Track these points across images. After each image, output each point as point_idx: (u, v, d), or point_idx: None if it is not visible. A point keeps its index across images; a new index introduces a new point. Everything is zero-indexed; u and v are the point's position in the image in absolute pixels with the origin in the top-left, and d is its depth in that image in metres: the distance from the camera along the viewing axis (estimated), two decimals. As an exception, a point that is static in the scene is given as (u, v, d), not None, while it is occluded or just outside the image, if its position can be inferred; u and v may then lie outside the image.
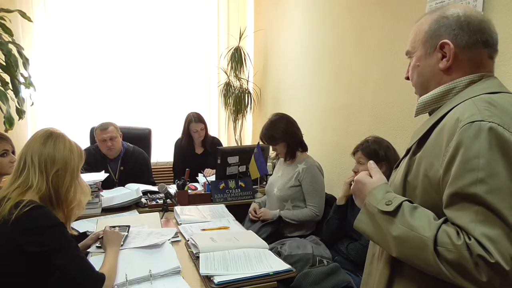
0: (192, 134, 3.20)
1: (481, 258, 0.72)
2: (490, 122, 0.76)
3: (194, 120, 3.16)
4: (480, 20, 0.90)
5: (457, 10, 0.91)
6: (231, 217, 2.21)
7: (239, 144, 4.17)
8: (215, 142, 3.33)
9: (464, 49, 0.89)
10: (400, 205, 0.85)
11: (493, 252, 0.71)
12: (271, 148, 2.54)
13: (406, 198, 0.88)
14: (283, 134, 2.27)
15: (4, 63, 2.29)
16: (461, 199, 0.77)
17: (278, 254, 1.85)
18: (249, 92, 4.14)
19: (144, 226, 1.95)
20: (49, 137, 1.37)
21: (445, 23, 0.90)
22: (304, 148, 2.37)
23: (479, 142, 0.75)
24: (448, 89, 0.91)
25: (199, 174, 2.99)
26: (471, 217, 0.75)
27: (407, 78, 1.02)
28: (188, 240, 1.78)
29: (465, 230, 0.75)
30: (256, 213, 2.32)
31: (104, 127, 2.77)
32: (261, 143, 2.42)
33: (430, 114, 0.96)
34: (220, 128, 4.38)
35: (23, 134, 3.41)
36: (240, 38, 4.05)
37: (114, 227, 1.77)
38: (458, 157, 0.78)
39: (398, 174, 0.98)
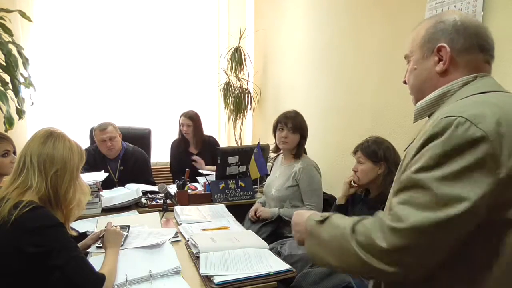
0: (181, 129, 3.23)
1: (391, 229, 0.76)
2: (458, 116, 0.76)
3: (184, 115, 3.21)
4: (476, 26, 0.92)
5: (454, 16, 0.93)
6: (231, 217, 2.21)
7: (239, 144, 4.17)
8: (211, 141, 3.33)
9: (460, 52, 0.90)
10: (330, 216, 0.91)
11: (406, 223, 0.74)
12: (271, 148, 2.54)
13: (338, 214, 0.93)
14: (304, 128, 2.32)
15: (4, 63, 2.29)
16: (408, 182, 0.79)
17: (278, 254, 1.85)
18: (249, 92, 4.14)
19: (144, 226, 1.95)
20: (49, 137, 1.36)
21: (441, 28, 0.92)
22: (304, 152, 2.40)
23: (443, 135, 0.76)
24: (443, 92, 0.92)
25: (198, 175, 2.97)
26: (405, 198, 0.78)
27: (405, 82, 1.04)
28: (188, 240, 1.78)
29: (393, 207, 0.79)
30: (256, 214, 2.33)
31: (103, 128, 2.77)
32: (279, 124, 2.34)
33: (429, 117, 0.97)
34: (220, 128, 4.38)
35: (23, 134, 3.40)
36: (240, 38, 4.05)
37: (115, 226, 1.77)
38: (422, 149, 0.80)
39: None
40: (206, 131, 3.41)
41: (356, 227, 0.83)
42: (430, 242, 0.74)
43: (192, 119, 3.21)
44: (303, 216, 0.99)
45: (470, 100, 0.84)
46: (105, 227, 1.66)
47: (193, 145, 3.28)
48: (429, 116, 0.96)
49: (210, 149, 3.19)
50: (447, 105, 0.88)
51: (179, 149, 3.29)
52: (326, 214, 0.93)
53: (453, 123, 0.76)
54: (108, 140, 2.76)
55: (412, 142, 0.95)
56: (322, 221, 0.92)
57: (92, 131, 3.19)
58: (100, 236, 1.65)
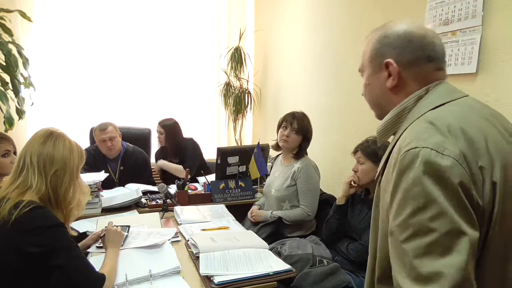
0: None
1: None
2: (423, 147, 0.75)
3: (158, 122, 3.17)
4: (422, 36, 0.89)
5: (398, 27, 0.91)
6: (231, 217, 2.21)
7: (239, 144, 4.17)
8: (188, 145, 3.16)
9: (407, 66, 0.89)
10: None
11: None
12: (271, 148, 2.54)
13: None
14: (309, 130, 2.31)
15: (4, 63, 2.29)
16: (403, 229, 0.75)
17: (278, 254, 1.85)
18: (249, 92, 4.14)
19: (144, 226, 1.95)
20: (49, 137, 1.36)
21: (386, 42, 0.91)
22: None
23: (413, 170, 0.74)
24: (399, 111, 0.90)
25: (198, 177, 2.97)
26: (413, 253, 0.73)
27: (363, 95, 1.03)
28: (188, 240, 1.78)
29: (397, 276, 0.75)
30: (250, 215, 2.35)
31: (103, 128, 2.77)
32: (284, 122, 2.32)
33: (394, 135, 0.95)
34: (220, 128, 4.38)
35: (23, 134, 3.41)
36: (240, 38, 4.05)
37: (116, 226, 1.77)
38: (399, 188, 0.77)
39: (374, 199, 0.97)
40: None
41: None
42: None
43: (165, 127, 3.13)
44: None
45: (426, 119, 0.81)
46: (106, 226, 1.66)
47: (172, 154, 3.17)
48: (393, 134, 0.94)
49: (191, 154, 3.08)
50: (406, 123, 0.87)
51: (159, 157, 3.24)
52: None
53: (419, 154, 0.74)
54: (108, 140, 2.76)
55: (380, 169, 0.93)
56: None
57: (92, 131, 3.19)
58: (101, 235, 1.65)
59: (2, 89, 2.29)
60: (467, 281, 0.70)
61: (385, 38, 0.91)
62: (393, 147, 0.86)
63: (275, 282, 1.46)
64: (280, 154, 2.50)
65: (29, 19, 2.55)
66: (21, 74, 2.44)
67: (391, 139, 0.95)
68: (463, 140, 0.76)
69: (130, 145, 2.98)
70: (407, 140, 0.79)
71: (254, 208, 2.43)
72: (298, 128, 2.28)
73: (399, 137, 0.85)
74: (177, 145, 3.15)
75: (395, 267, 0.77)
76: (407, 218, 0.74)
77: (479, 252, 0.75)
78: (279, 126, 2.37)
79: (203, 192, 2.65)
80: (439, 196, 0.72)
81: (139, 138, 3.28)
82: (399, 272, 0.75)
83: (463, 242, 0.70)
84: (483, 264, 0.77)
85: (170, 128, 3.14)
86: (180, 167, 3.01)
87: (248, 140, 4.44)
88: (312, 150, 2.45)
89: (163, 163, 3.16)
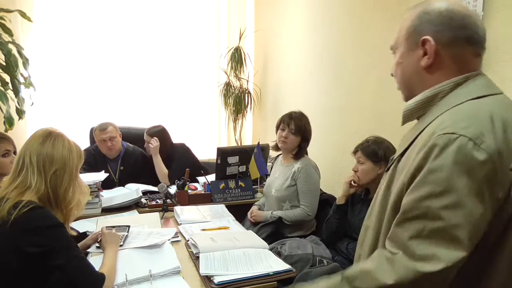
0: None
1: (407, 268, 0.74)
2: (461, 135, 0.73)
3: (146, 131, 2.98)
4: (464, 15, 0.85)
5: (440, 4, 0.86)
6: (231, 217, 2.21)
7: (239, 144, 4.17)
8: (176, 151, 3.02)
9: (446, 46, 0.85)
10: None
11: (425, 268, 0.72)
12: (271, 148, 2.54)
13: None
14: (307, 131, 2.29)
15: (4, 63, 2.29)
16: (413, 210, 0.76)
17: (278, 254, 1.85)
18: (249, 92, 4.14)
19: (144, 226, 1.95)
20: (48, 137, 1.36)
21: (426, 19, 0.87)
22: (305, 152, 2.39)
23: (444, 155, 0.73)
24: (433, 94, 0.87)
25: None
26: (413, 232, 0.75)
27: (392, 75, 1.00)
28: (188, 240, 1.78)
29: (400, 244, 0.77)
30: (249, 216, 2.34)
31: (103, 128, 2.76)
32: (282, 123, 2.31)
33: (418, 119, 0.93)
34: (220, 128, 4.38)
35: (23, 134, 3.40)
36: (240, 38, 4.04)
37: (113, 227, 1.77)
38: (424, 168, 0.76)
39: (384, 182, 0.95)
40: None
41: (346, 274, 0.80)
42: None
43: (153, 135, 2.95)
44: None
45: (466, 109, 0.80)
46: (101, 230, 1.67)
47: (162, 161, 3.03)
48: (418, 118, 0.92)
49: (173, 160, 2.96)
50: (439, 109, 0.84)
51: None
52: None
53: (454, 141, 0.73)
54: (108, 140, 2.75)
55: (400, 151, 0.92)
56: None
57: (92, 131, 3.19)
58: (98, 240, 1.66)
59: (2, 89, 2.29)
60: (454, 269, 0.72)
61: (426, 15, 0.87)
62: (421, 131, 0.84)
63: (275, 282, 1.46)
64: (280, 154, 2.50)
65: (29, 19, 2.55)
66: (21, 74, 2.44)
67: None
68: (502, 137, 0.74)
69: (130, 145, 2.98)
70: (444, 124, 0.77)
71: (254, 208, 2.43)
72: (296, 129, 2.27)
73: (432, 121, 0.83)
74: (166, 152, 2.99)
75: (392, 235, 0.80)
76: (420, 199, 0.75)
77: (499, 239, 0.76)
78: (277, 128, 2.36)
79: (203, 192, 2.64)
80: (463, 188, 0.71)
81: (139, 138, 3.27)
82: (393, 240, 0.79)
83: (468, 239, 0.71)
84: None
85: (157, 136, 2.95)
86: (165, 173, 2.88)
87: (248, 140, 4.44)
88: (312, 150, 2.45)
89: (158, 159, 3.01)
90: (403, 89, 0.97)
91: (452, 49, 0.85)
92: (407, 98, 0.96)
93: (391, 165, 0.95)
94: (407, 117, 0.94)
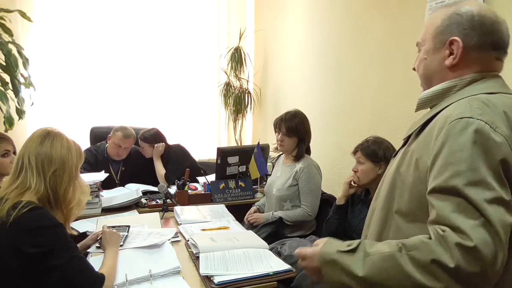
0: None
1: (458, 246, 0.72)
2: (478, 119, 0.78)
3: (139, 136, 2.93)
4: (493, 21, 0.90)
5: (472, 8, 0.90)
6: (231, 217, 2.21)
7: (239, 144, 4.17)
8: (171, 155, 2.97)
9: (472, 49, 0.89)
10: (360, 243, 0.87)
11: (472, 237, 0.72)
12: (271, 148, 2.54)
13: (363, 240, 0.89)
14: (301, 130, 2.27)
15: (4, 63, 2.29)
16: (443, 191, 0.79)
17: (278, 254, 1.85)
18: (249, 92, 4.14)
19: (144, 226, 1.95)
20: (46, 137, 1.35)
21: (457, 21, 0.90)
22: (308, 152, 2.38)
23: (464, 137, 0.78)
24: (449, 86, 0.92)
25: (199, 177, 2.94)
26: (451, 208, 0.76)
27: (414, 69, 1.03)
28: (188, 240, 1.78)
29: (444, 220, 0.77)
30: (249, 218, 2.33)
31: (127, 135, 2.78)
32: (275, 127, 2.30)
33: (431, 109, 0.97)
34: (220, 128, 4.38)
35: (23, 134, 3.40)
36: (240, 38, 4.05)
37: (113, 227, 1.77)
38: (444, 150, 0.80)
39: (393, 164, 1.00)
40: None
41: (407, 243, 0.80)
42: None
43: (146, 140, 2.92)
44: (312, 252, 0.96)
45: (481, 99, 0.83)
46: (102, 230, 1.66)
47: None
48: (430, 107, 0.96)
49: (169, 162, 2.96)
50: (453, 98, 0.89)
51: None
52: (352, 242, 0.88)
53: (472, 124, 0.78)
54: (123, 148, 2.80)
55: (409, 133, 0.97)
56: (353, 249, 0.86)
57: (92, 131, 3.20)
58: (98, 239, 1.66)
59: (2, 89, 2.29)
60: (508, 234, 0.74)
61: (458, 16, 0.90)
62: (436, 114, 0.89)
63: (275, 282, 1.46)
64: (282, 154, 2.50)
65: (29, 19, 2.55)
66: (21, 74, 2.44)
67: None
68: (510, 129, 0.80)
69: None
70: (458, 110, 0.82)
71: (252, 210, 2.42)
72: (288, 131, 2.26)
73: (447, 106, 0.87)
74: (162, 153, 2.97)
75: (435, 215, 0.79)
76: (448, 179, 0.77)
77: None
78: (274, 130, 2.37)
79: (203, 192, 2.64)
80: (482, 166, 0.75)
81: (139, 138, 3.27)
82: (437, 220, 0.78)
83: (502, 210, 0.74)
84: None
85: (152, 140, 2.93)
86: (163, 174, 2.87)
87: (248, 140, 4.44)
88: (312, 150, 2.45)
89: (158, 161, 3.01)
90: (424, 84, 1.01)
91: (477, 53, 0.89)
92: (423, 92, 1.00)
93: (399, 149, 1.00)
94: (422, 104, 0.98)
